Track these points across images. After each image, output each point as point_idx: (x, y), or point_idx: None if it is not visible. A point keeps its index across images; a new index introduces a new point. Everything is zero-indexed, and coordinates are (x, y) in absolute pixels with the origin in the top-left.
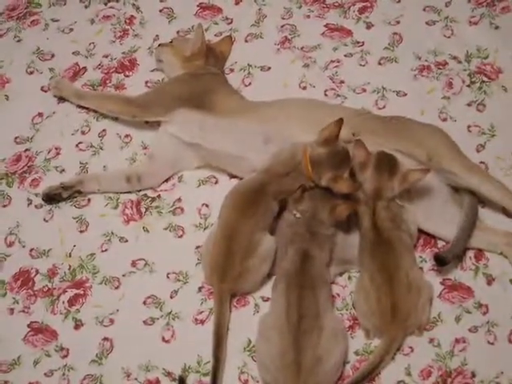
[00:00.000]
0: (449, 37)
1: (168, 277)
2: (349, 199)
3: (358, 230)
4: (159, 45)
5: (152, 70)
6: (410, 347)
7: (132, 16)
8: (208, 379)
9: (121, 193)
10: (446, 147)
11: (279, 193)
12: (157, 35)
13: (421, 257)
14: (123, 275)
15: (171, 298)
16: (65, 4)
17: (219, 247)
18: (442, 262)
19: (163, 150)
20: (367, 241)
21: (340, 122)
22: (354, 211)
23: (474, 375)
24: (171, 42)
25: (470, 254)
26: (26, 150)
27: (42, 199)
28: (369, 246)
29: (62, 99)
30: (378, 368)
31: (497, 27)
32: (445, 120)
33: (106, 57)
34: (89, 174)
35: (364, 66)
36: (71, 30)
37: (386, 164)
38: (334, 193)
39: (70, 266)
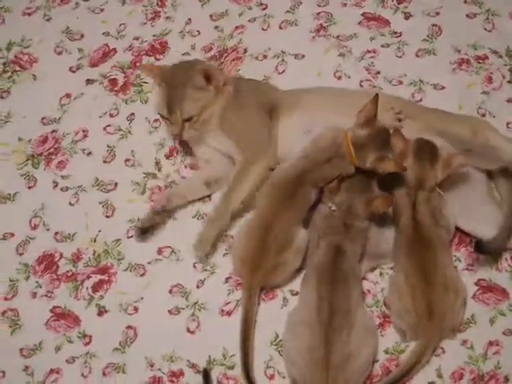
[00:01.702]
0: (490, 30)
1: (195, 266)
2: (385, 193)
3: (395, 224)
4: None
5: (183, 54)
6: (442, 348)
7: None
8: (233, 372)
9: (148, 179)
10: (489, 126)
11: (319, 180)
12: (189, 18)
13: (455, 256)
14: (149, 262)
15: (197, 287)
16: None
17: (253, 239)
18: (481, 250)
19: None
20: (404, 237)
21: (375, 99)
22: (394, 205)
23: (507, 379)
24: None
25: (507, 255)
26: (53, 131)
27: (138, 235)
28: (406, 242)
29: (90, 81)
30: (413, 370)
31: None
32: (483, 115)
33: (137, 39)
34: (171, 190)
35: (401, 57)
36: (102, 10)
37: (427, 151)
38: (370, 185)
39: (94, 252)
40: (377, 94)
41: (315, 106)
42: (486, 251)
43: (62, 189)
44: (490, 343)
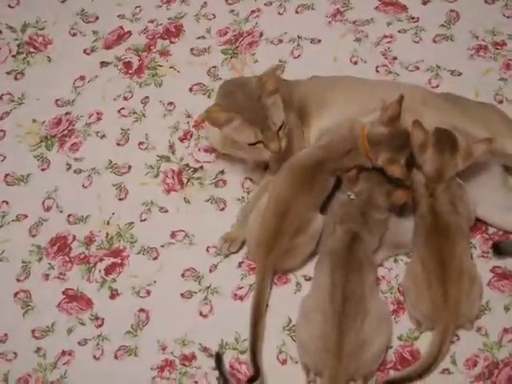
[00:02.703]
0: (508, 17)
1: (208, 250)
2: (404, 185)
3: (414, 213)
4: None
5: (198, 38)
6: (457, 335)
7: None
8: (245, 357)
9: (162, 162)
10: (507, 128)
11: (337, 169)
12: (204, 2)
13: (470, 243)
14: (162, 246)
15: (210, 271)
16: None
17: (269, 222)
18: (499, 252)
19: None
20: (424, 224)
21: (401, 99)
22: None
23: None
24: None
25: None
26: (67, 113)
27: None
28: (425, 230)
29: (104, 64)
30: (438, 360)
31: None
32: (501, 102)
33: (152, 22)
34: None
35: (418, 42)
36: None
37: (446, 142)
38: (389, 176)
39: (107, 234)
40: (402, 96)
41: (344, 104)
42: (505, 253)
43: (75, 171)
44: (505, 330)
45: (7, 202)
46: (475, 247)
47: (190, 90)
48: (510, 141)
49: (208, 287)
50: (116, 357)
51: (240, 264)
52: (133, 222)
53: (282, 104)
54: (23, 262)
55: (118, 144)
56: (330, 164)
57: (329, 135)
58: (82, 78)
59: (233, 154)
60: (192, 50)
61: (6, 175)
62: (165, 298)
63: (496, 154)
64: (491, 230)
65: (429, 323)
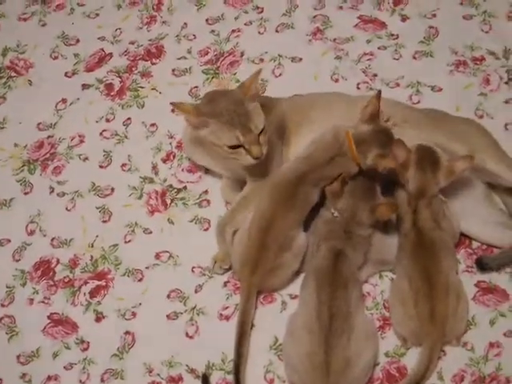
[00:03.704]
0: (487, 32)
1: (193, 270)
2: (388, 200)
3: (398, 230)
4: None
5: (179, 58)
6: (443, 351)
7: (160, 2)
8: (232, 377)
9: (145, 183)
10: (488, 145)
11: (321, 180)
12: (185, 23)
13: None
14: (147, 267)
15: (196, 292)
16: None
17: (253, 240)
18: (482, 267)
19: None
20: (408, 242)
21: (379, 94)
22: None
23: (508, 381)
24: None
25: None
26: (49, 136)
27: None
28: (410, 247)
29: (86, 86)
30: (426, 377)
31: None
32: (481, 117)
33: (133, 43)
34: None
35: (398, 59)
36: (97, 14)
37: (428, 160)
38: (374, 192)
39: (91, 257)
40: (379, 91)
41: (323, 121)
42: (489, 268)
43: (58, 194)
44: (491, 345)
45: None
46: (459, 262)
47: (173, 110)
48: (488, 157)
49: (194, 308)
50: (102, 380)
51: (225, 284)
52: (117, 244)
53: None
54: (7, 287)
55: (101, 166)
56: (312, 175)
57: (312, 146)
58: (64, 100)
59: (211, 166)
60: (173, 70)
61: None
62: (150, 319)
63: (477, 170)
64: (475, 245)
65: (415, 340)
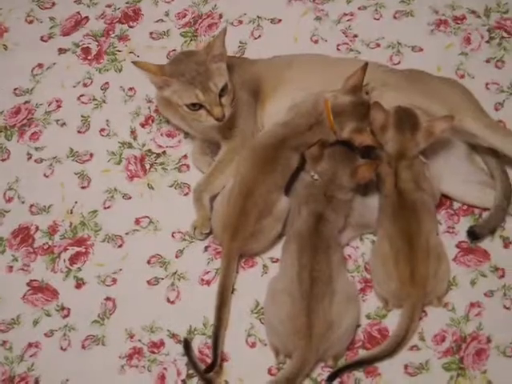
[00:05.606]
0: None
1: (173, 236)
2: (370, 160)
3: (379, 192)
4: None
5: (156, 21)
6: (424, 311)
7: None
8: None
9: (124, 148)
10: (468, 105)
11: (300, 146)
12: None
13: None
14: (126, 233)
15: (176, 257)
16: None
17: (234, 205)
18: (476, 237)
19: None
20: (389, 204)
21: (365, 67)
22: (376, 172)
23: (489, 340)
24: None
25: None
26: (26, 102)
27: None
28: (390, 209)
29: (62, 50)
30: (407, 338)
31: None
32: (462, 77)
33: (109, 6)
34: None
35: (378, 19)
36: None
37: (407, 121)
38: (353, 155)
39: (71, 223)
40: (366, 63)
41: (300, 82)
42: (480, 237)
43: (36, 160)
44: (472, 305)
45: None
46: (440, 223)
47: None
48: (468, 117)
49: (174, 273)
50: (83, 347)
51: (206, 248)
52: (96, 210)
53: (239, 83)
54: None
55: (79, 131)
56: (292, 140)
57: (292, 111)
58: (40, 65)
59: (182, 126)
60: (151, 33)
61: None
62: (131, 285)
63: (457, 130)
64: (456, 205)
65: (396, 301)
